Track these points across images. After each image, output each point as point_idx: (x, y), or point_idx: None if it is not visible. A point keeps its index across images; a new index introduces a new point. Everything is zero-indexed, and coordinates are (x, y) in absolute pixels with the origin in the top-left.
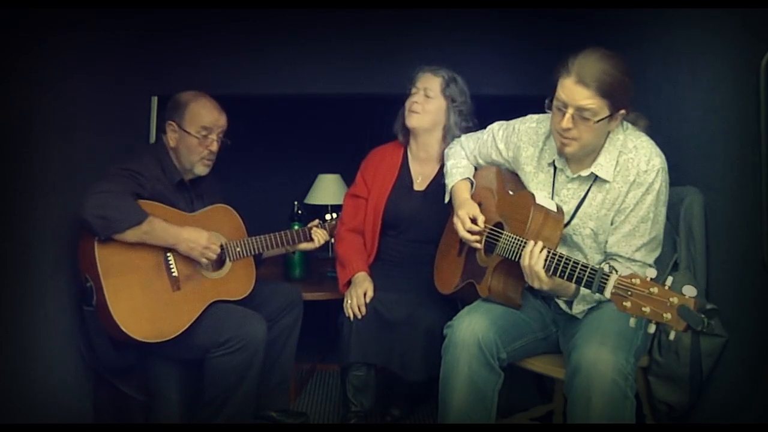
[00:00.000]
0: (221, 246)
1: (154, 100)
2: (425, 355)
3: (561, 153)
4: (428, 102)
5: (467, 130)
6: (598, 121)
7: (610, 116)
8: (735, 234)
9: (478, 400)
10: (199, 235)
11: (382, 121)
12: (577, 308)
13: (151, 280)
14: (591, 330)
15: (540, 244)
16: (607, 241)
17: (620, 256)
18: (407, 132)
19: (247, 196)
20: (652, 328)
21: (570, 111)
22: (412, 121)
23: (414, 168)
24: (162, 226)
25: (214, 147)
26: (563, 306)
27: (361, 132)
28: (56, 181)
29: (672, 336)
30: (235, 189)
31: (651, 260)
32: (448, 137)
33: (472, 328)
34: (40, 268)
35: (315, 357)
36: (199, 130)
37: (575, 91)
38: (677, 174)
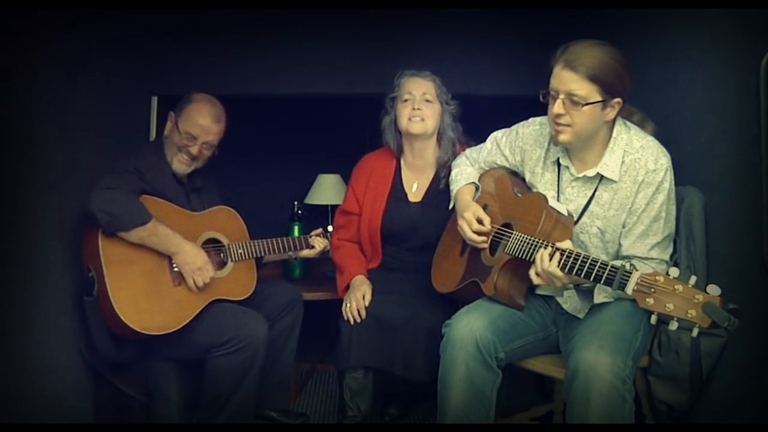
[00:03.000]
0: (224, 246)
1: (154, 100)
2: (428, 355)
3: (556, 142)
4: (429, 107)
5: (456, 131)
6: (587, 104)
7: (603, 102)
8: (735, 234)
9: (476, 399)
10: (198, 255)
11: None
12: (598, 298)
13: (153, 273)
14: (590, 332)
15: (549, 249)
16: (611, 241)
17: (636, 257)
18: (400, 140)
19: (248, 196)
20: (674, 326)
21: (561, 96)
22: (417, 128)
23: (407, 178)
24: (166, 232)
25: (194, 151)
26: (565, 306)
27: (361, 132)
28: (56, 181)
29: (695, 333)
30: (235, 189)
31: (666, 257)
32: (442, 141)
33: (469, 327)
34: (40, 267)
35: (315, 357)
36: (186, 132)
37: (563, 76)
38: (677, 174)
